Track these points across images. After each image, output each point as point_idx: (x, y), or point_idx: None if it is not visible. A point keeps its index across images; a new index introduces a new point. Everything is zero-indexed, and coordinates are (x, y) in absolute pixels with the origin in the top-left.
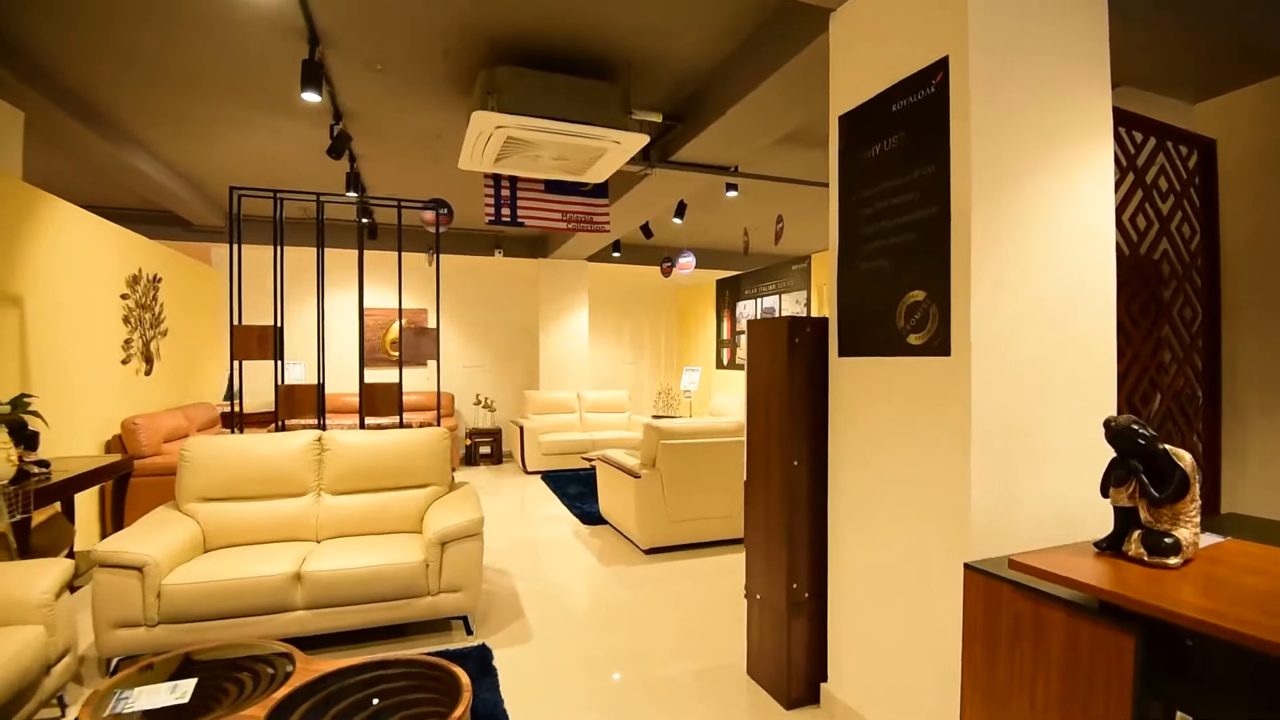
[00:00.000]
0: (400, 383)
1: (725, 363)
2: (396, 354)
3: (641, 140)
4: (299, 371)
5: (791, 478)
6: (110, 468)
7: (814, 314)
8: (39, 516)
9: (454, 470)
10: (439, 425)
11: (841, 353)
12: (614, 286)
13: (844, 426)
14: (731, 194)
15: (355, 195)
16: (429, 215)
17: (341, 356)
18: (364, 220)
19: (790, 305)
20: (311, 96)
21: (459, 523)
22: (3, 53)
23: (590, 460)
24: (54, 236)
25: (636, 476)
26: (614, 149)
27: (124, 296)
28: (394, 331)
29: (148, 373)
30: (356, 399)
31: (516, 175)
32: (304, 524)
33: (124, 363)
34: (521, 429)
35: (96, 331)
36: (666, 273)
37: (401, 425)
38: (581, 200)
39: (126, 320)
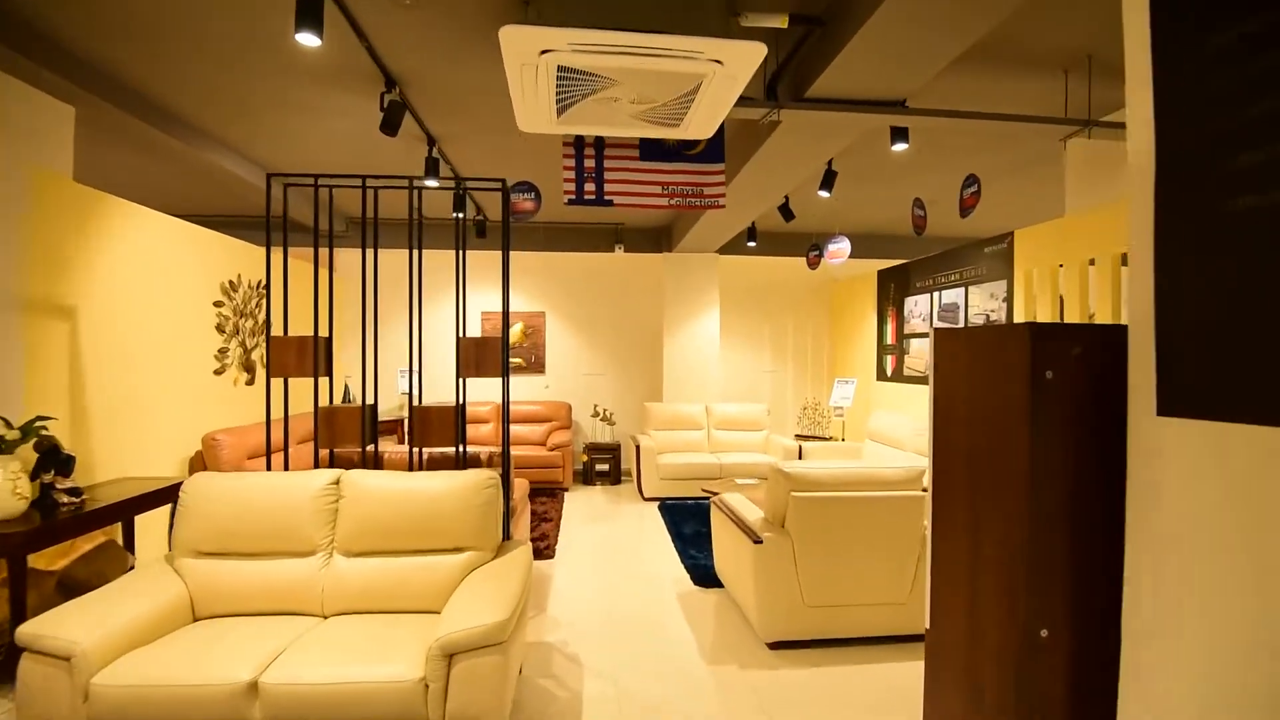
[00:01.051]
0: (461, 404)
1: (889, 373)
2: (515, 361)
3: (754, 54)
4: (403, 382)
5: (1027, 649)
6: (160, 493)
7: (1019, 314)
8: (85, 545)
9: (566, 489)
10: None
11: (1172, 407)
12: (750, 282)
13: (1176, 583)
14: (899, 147)
15: (407, 178)
16: (523, 203)
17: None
18: (459, 215)
19: (981, 300)
20: (309, 39)
21: (473, 629)
22: (57, 51)
23: (708, 494)
24: (119, 240)
25: (756, 540)
26: (715, 75)
27: (218, 304)
28: (515, 334)
29: (249, 382)
30: (488, 418)
31: (602, 137)
32: (308, 593)
33: (218, 373)
34: (638, 447)
35: (181, 341)
36: (814, 264)
37: (462, 461)
38: (687, 168)
39: (221, 329)
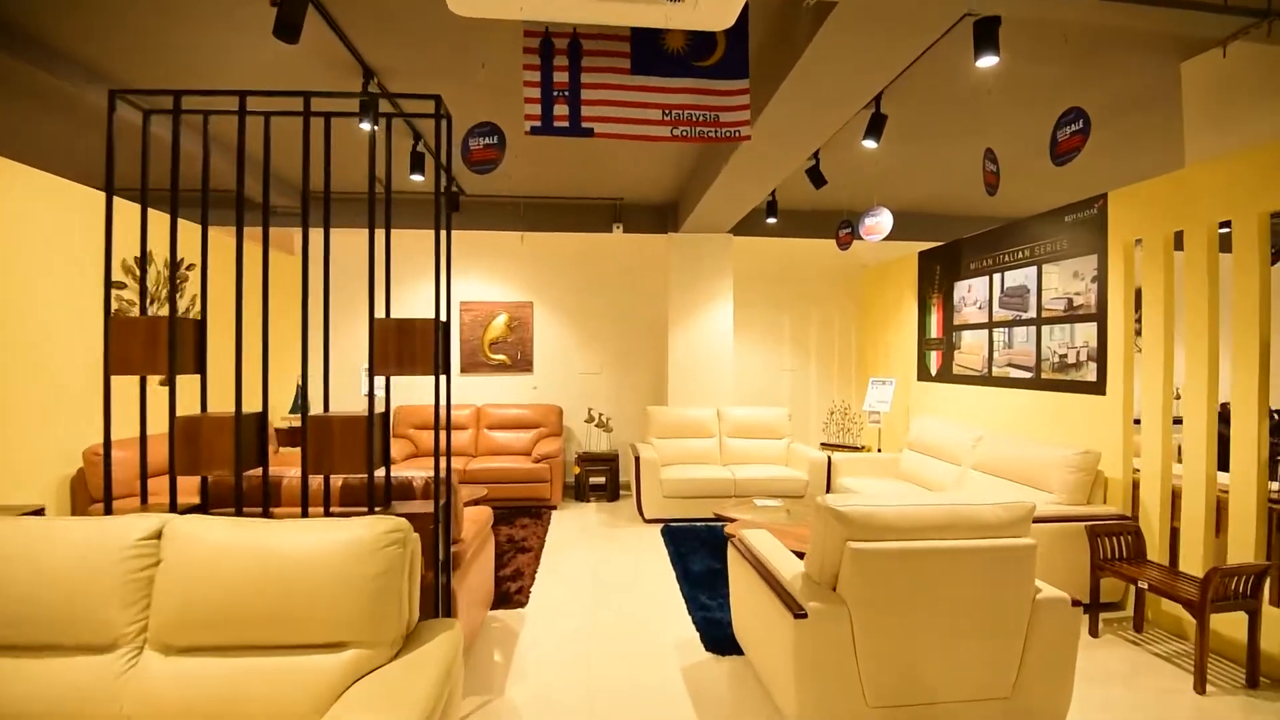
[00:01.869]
0: (383, 411)
1: (933, 372)
2: (497, 359)
3: None
4: (379, 380)
5: None
6: None
7: (1115, 295)
8: None
9: (553, 507)
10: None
11: None
12: (768, 268)
13: None
14: (987, 62)
15: (302, 94)
16: (483, 150)
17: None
18: (436, 186)
19: (1061, 282)
20: None
21: None
22: None
23: (723, 523)
24: None
25: (799, 614)
26: None
27: (119, 286)
28: (498, 327)
29: (162, 383)
30: (467, 423)
31: (578, 39)
32: (98, 711)
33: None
34: (637, 459)
35: (60, 332)
36: (845, 243)
37: (383, 496)
38: (698, 85)
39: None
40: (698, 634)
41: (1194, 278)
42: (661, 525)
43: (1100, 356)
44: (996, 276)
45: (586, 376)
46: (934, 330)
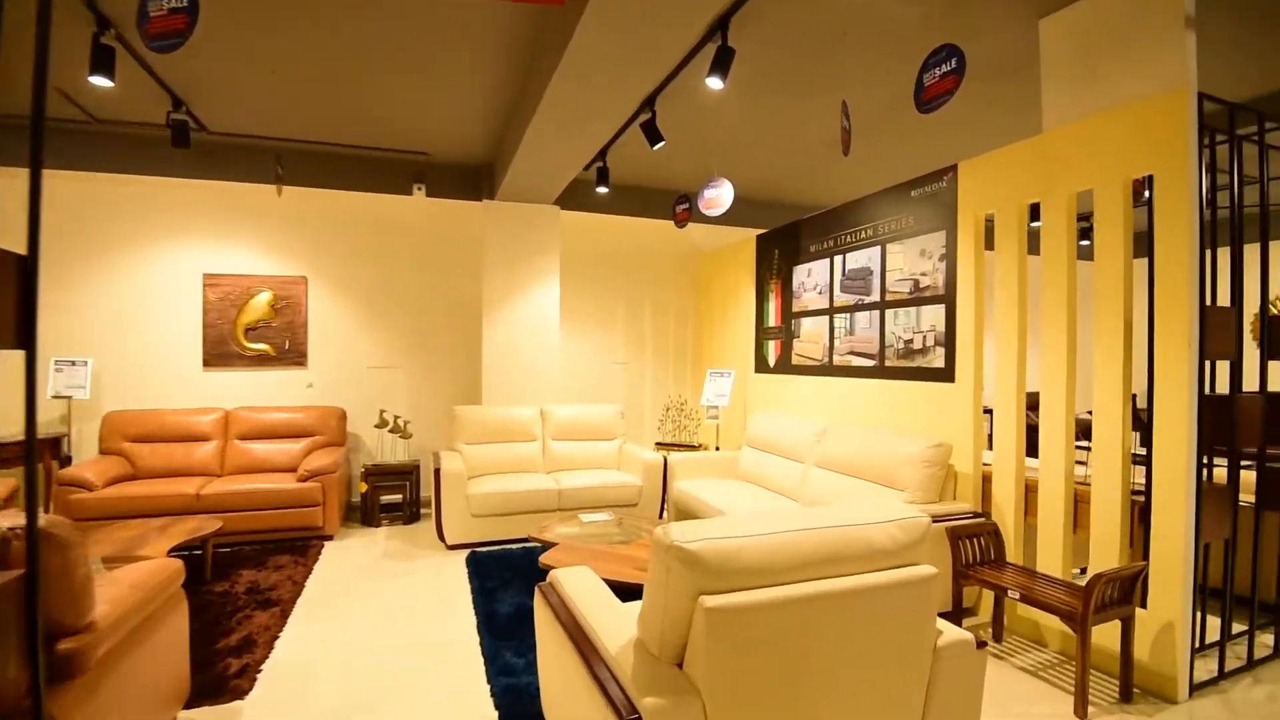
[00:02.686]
0: None
1: (771, 363)
2: (257, 348)
3: None
4: (78, 375)
5: None
6: None
7: (964, 273)
8: None
9: (328, 537)
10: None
11: None
12: (601, 247)
13: None
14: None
15: None
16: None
17: (173, 347)
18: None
19: (907, 261)
20: None
21: None
22: None
23: (538, 546)
24: None
25: (628, 713)
26: None
27: None
28: (258, 308)
29: None
30: (210, 432)
31: None
32: None
33: None
34: (437, 472)
35: None
36: (682, 220)
37: None
38: None
39: None
40: (496, 714)
41: (1053, 252)
42: (467, 552)
43: (949, 341)
44: (838, 259)
45: (379, 372)
46: (772, 318)
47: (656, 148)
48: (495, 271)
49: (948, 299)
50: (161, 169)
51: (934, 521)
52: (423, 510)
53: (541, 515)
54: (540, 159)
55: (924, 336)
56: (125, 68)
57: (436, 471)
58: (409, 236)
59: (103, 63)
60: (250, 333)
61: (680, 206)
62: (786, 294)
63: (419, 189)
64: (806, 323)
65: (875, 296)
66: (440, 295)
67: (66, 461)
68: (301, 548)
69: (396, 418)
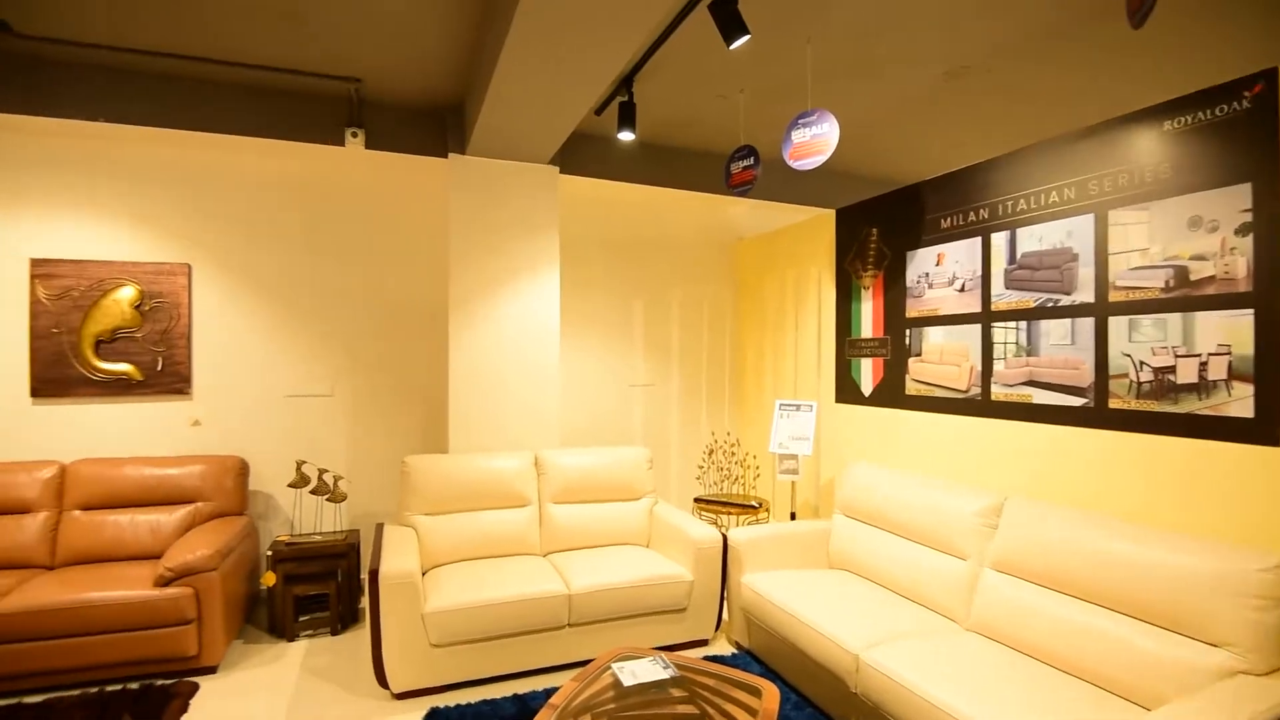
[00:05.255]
0: None
1: (868, 392)
2: (114, 369)
3: None
4: None
5: None
6: None
7: None
8: None
9: (208, 669)
10: None
11: None
12: (611, 231)
13: None
14: None
15: None
16: None
17: None
18: None
19: (1159, 237)
20: None
21: None
22: None
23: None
24: None
25: None
26: None
27: None
28: (116, 310)
29: None
30: (36, 501)
31: None
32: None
33: None
34: (374, 576)
35: None
36: (743, 183)
37: None
38: None
39: None
40: None
41: None
42: (426, 708)
43: (1264, 372)
44: (999, 237)
45: (301, 403)
46: (868, 327)
47: (736, 45)
48: (465, 257)
49: (1258, 299)
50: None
51: None
52: (362, 604)
53: (542, 638)
54: (531, 84)
55: (1203, 363)
56: None
57: (373, 574)
58: (343, 209)
59: None
60: (104, 346)
61: (742, 164)
62: (894, 291)
63: (354, 136)
64: (933, 334)
65: (1084, 294)
66: (389, 292)
67: None
68: (157, 702)
69: (323, 472)
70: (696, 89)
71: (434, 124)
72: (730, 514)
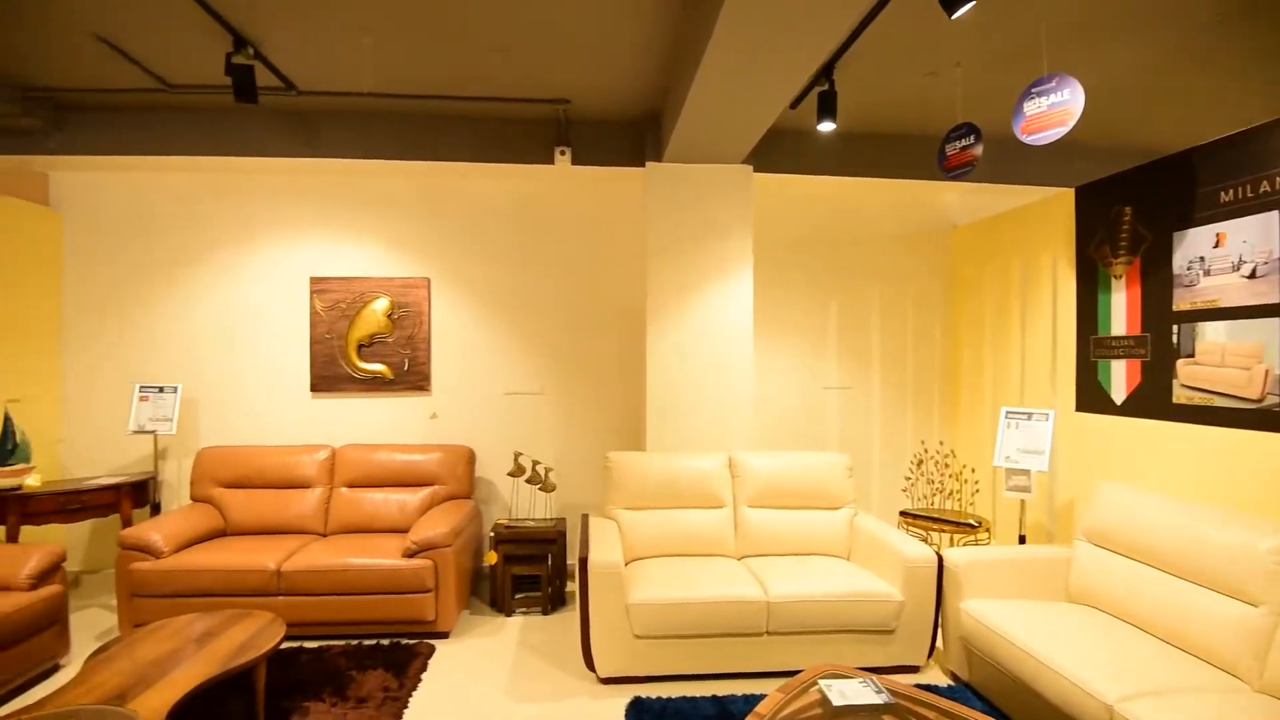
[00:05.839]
0: None
1: (1120, 399)
2: (371, 369)
3: None
4: (165, 406)
5: None
6: None
7: None
8: None
9: (442, 634)
10: None
11: None
12: (803, 228)
13: None
14: None
15: None
16: None
17: (276, 368)
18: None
19: None
20: None
21: None
22: None
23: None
24: None
25: None
26: None
27: None
28: (373, 319)
29: None
30: (315, 478)
31: None
32: None
33: None
34: (583, 563)
35: None
36: (960, 165)
37: None
38: None
39: None
40: None
41: None
42: (630, 696)
43: None
44: None
45: (517, 400)
46: (1117, 322)
47: (959, 13)
48: (662, 261)
49: None
50: (251, 147)
51: None
52: (569, 590)
53: (740, 642)
54: (732, 82)
55: None
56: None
57: (582, 562)
58: (548, 222)
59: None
60: (364, 350)
61: (960, 143)
62: (1155, 280)
63: (562, 154)
64: (1212, 330)
65: None
66: (587, 297)
67: (156, 509)
68: (403, 659)
69: (536, 464)
70: (903, 68)
71: (632, 136)
72: (943, 532)
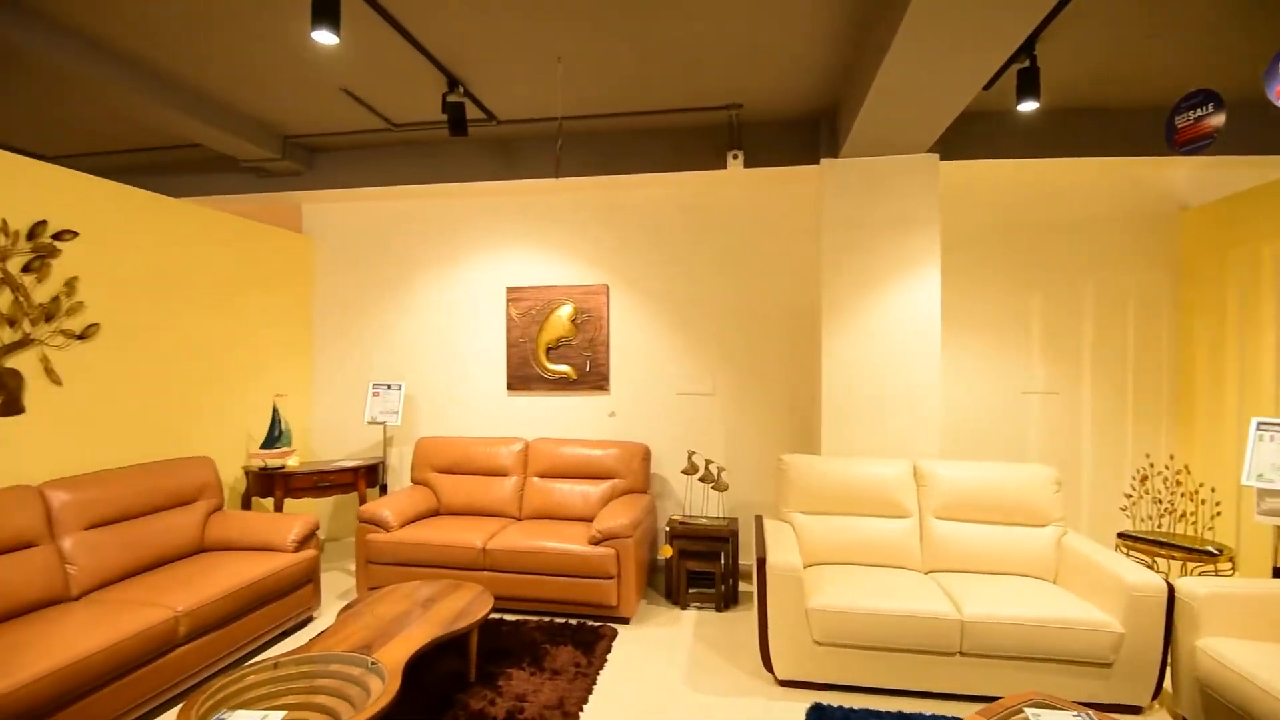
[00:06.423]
0: None
1: None
2: (558, 370)
3: None
4: (392, 400)
5: None
6: None
7: None
8: None
9: (624, 619)
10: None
11: None
12: (997, 214)
13: None
14: None
15: None
16: None
17: (479, 369)
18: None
19: None
20: None
21: None
22: None
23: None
24: None
25: None
26: None
27: None
28: (559, 324)
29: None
30: (510, 468)
31: None
32: None
33: None
34: (761, 564)
35: None
36: (1195, 139)
37: None
38: None
39: None
40: None
41: None
42: (809, 702)
43: None
44: None
45: (688, 400)
46: None
47: None
48: (838, 260)
49: None
50: (461, 174)
51: None
52: (742, 589)
53: (929, 660)
54: (923, 66)
55: None
56: (391, 47)
57: (760, 562)
58: (718, 226)
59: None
60: (551, 352)
61: (1194, 114)
62: None
63: (734, 158)
64: None
65: None
66: (757, 299)
67: (384, 490)
68: (589, 639)
69: (709, 463)
70: (1117, 34)
71: (806, 133)
72: (1172, 559)
